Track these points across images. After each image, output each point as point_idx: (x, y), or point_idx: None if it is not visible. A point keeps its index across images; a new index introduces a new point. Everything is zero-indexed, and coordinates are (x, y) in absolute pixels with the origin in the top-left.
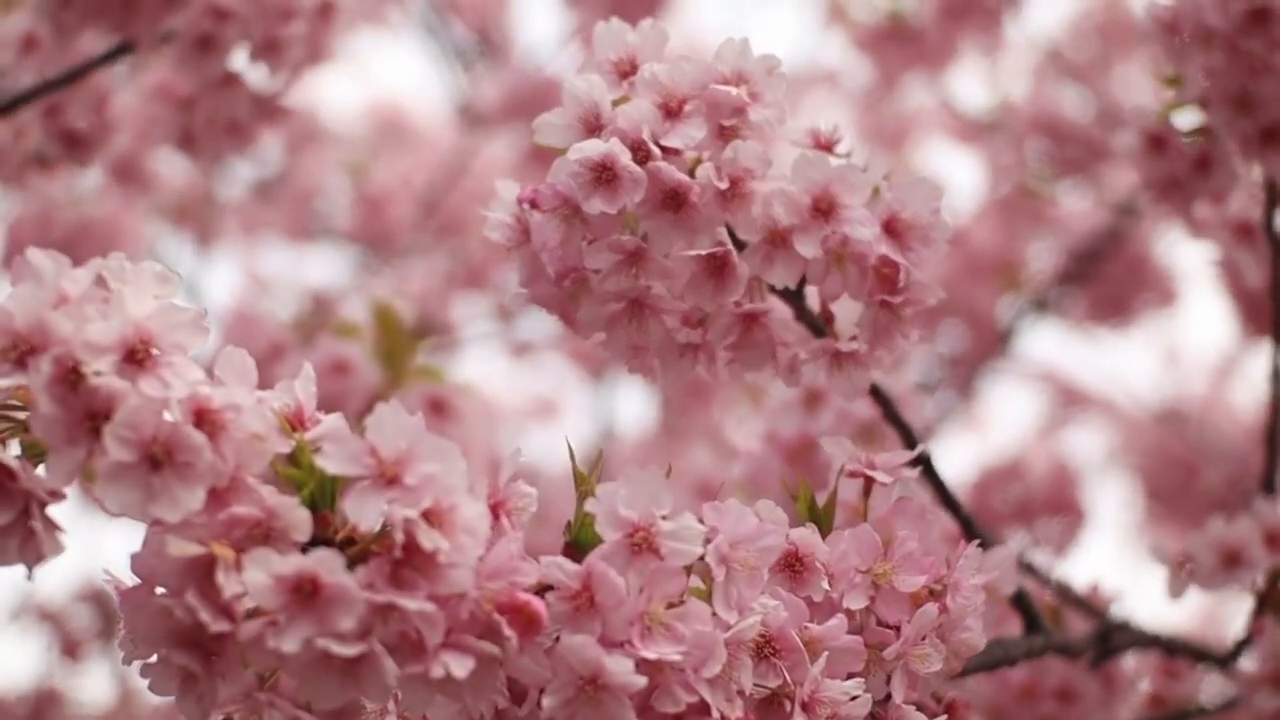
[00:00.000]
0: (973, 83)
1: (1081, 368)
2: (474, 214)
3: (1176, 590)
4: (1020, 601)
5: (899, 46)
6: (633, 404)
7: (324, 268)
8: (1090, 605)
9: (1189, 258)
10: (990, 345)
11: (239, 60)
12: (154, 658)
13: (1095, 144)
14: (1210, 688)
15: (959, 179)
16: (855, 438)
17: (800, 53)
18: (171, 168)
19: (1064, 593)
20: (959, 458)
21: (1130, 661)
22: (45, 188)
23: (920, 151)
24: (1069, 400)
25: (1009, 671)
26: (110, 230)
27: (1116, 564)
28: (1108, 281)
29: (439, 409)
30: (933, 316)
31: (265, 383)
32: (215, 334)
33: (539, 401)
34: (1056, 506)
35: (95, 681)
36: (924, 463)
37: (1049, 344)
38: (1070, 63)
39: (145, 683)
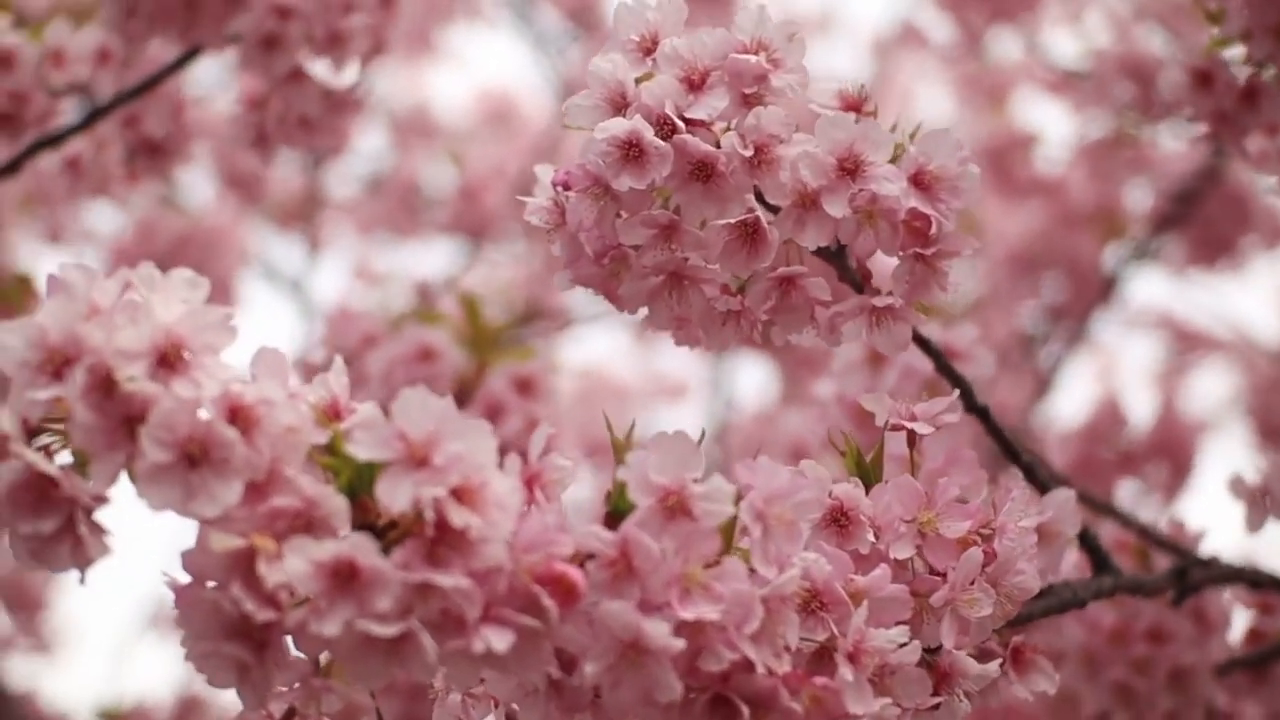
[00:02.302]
0: (1063, 34)
1: (1198, 312)
2: None
3: (1255, 524)
4: (1087, 542)
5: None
6: (753, 379)
7: (433, 260)
8: (1175, 545)
9: None
10: (1095, 295)
11: (306, 56)
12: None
13: None
14: None
15: (1053, 131)
16: (920, 394)
17: (895, 16)
18: (280, 170)
19: (1147, 534)
20: (1079, 408)
21: (1224, 599)
22: (141, 199)
23: (1017, 106)
24: (1187, 345)
25: (1099, 615)
26: (213, 238)
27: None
28: (1208, 223)
29: (526, 388)
30: (1033, 269)
31: (358, 371)
32: (317, 329)
33: (665, 381)
34: (1165, 453)
35: None
36: (982, 414)
37: (1161, 290)
38: (1161, 6)
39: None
